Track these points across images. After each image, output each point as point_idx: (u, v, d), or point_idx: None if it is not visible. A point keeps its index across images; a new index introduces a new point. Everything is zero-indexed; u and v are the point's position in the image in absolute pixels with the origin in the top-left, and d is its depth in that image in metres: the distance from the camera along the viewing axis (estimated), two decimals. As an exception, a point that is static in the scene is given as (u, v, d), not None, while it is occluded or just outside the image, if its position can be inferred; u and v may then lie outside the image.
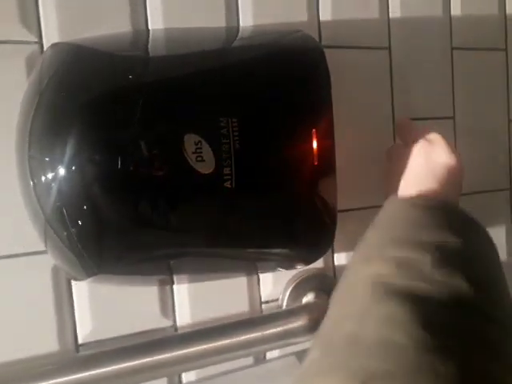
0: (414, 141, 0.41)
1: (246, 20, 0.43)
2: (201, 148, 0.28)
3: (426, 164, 0.39)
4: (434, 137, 0.40)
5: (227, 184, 0.29)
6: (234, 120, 0.29)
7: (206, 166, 0.29)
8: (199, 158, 0.28)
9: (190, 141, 0.28)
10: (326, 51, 0.35)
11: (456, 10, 0.54)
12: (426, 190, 0.37)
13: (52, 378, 0.34)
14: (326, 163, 0.33)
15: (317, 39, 0.47)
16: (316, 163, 0.33)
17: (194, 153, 0.28)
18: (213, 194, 0.30)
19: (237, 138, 0.29)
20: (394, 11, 0.51)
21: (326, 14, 0.47)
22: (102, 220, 0.30)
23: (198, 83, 0.30)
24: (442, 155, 0.38)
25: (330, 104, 0.33)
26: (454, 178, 0.38)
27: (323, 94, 0.33)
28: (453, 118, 0.55)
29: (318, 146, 0.32)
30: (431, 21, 0.53)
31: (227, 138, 0.29)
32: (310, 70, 0.33)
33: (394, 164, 0.43)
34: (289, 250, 0.36)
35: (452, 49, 0.55)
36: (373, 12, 0.50)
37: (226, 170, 0.29)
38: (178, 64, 0.31)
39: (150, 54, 0.32)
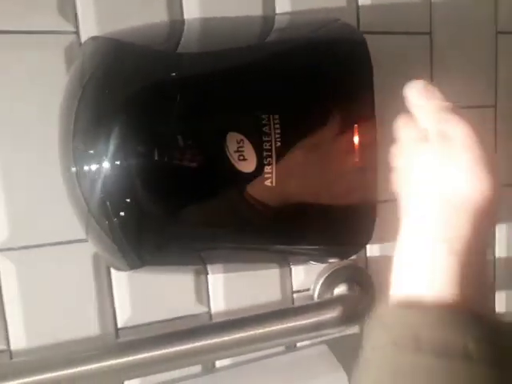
0: (427, 125, 0.27)
1: (283, 5, 0.42)
2: (243, 146, 0.28)
3: (434, 198, 0.25)
4: (459, 131, 0.25)
5: (268, 182, 0.29)
6: (276, 117, 0.29)
7: (247, 165, 0.28)
8: (241, 157, 0.28)
9: (233, 139, 0.28)
10: (365, 37, 0.34)
11: (503, -9, 0.51)
12: (435, 286, 0.25)
13: (93, 363, 0.36)
14: (368, 160, 0.33)
15: (355, 25, 0.45)
16: (357, 160, 0.32)
17: (236, 151, 0.28)
18: (253, 192, 0.30)
19: (278, 135, 0.29)
20: (437, -6, 0.48)
21: (365, -1, 0.45)
22: (144, 212, 0.31)
23: (238, 80, 0.30)
24: (465, 180, 0.24)
25: (372, 99, 0.33)
26: (484, 227, 0.25)
27: (366, 89, 0.32)
28: (494, 106, 0.53)
29: (359, 142, 0.32)
30: (475, 3, 0.50)
31: (269, 135, 0.29)
32: (353, 64, 0.32)
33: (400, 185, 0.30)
34: (325, 246, 0.36)
35: (497, 33, 0.52)
36: (414, -5, 0.47)
37: (267, 169, 0.29)
38: (219, 60, 0.30)
39: (190, 49, 0.32)
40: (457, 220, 0.24)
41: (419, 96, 0.29)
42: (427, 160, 0.26)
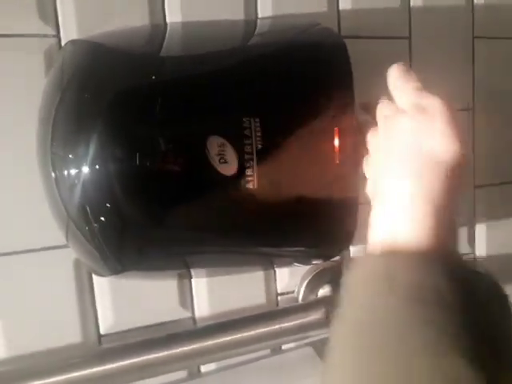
0: (404, 103, 0.29)
1: (265, 10, 0.43)
2: (224, 150, 0.28)
3: (411, 158, 0.27)
4: (433, 103, 0.27)
5: (249, 185, 0.29)
6: (257, 120, 0.29)
7: (228, 168, 0.28)
8: (222, 160, 0.28)
9: (214, 143, 0.28)
10: (345, 41, 0.34)
11: (479, -3, 0.53)
12: (412, 227, 0.27)
13: (75, 371, 0.35)
14: (349, 161, 0.33)
15: (336, 30, 0.46)
16: (338, 162, 0.32)
17: (217, 155, 0.28)
18: (235, 195, 0.30)
19: (259, 138, 0.29)
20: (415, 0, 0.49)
21: (345, 4, 0.46)
22: (125, 218, 0.30)
23: (219, 83, 0.30)
24: (439, 142, 0.27)
25: (352, 101, 0.33)
26: (455, 185, 0.27)
27: (346, 91, 0.33)
28: (472, 109, 0.54)
29: (340, 145, 0.32)
30: (452, 9, 0.52)
31: (249, 138, 0.29)
32: (333, 67, 0.33)
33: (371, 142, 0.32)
34: (309, 248, 0.36)
35: (474, 38, 0.53)
36: (393, 1, 0.48)
37: (249, 171, 0.29)
38: (200, 64, 0.31)
39: (171, 53, 0.32)
40: (432, 175, 0.27)
41: (398, 77, 0.31)
42: (405, 127, 0.29)
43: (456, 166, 0.27)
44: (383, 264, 0.26)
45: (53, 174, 0.30)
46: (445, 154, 0.27)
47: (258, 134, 0.29)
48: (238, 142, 0.29)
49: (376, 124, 0.32)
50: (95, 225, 0.30)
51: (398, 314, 0.23)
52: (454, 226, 0.29)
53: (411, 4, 0.49)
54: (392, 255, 0.27)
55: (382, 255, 0.27)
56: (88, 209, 0.30)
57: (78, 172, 0.29)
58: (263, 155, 0.30)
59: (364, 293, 0.26)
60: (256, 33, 0.34)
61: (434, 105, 0.27)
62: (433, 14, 0.50)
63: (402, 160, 0.28)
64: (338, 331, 0.26)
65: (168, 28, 0.37)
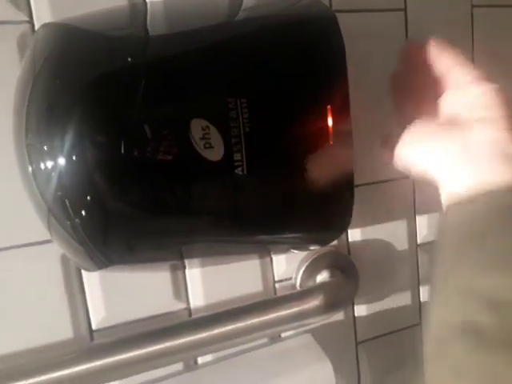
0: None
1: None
2: (209, 133, 0.26)
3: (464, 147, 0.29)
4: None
5: (238, 170, 0.28)
6: (243, 100, 0.27)
7: (214, 153, 0.27)
8: (207, 145, 0.26)
9: (197, 126, 0.26)
10: (338, 15, 0.32)
11: (477, -38, 0.50)
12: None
13: (68, 368, 0.34)
14: (343, 142, 0.31)
15: (327, 3, 0.44)
16: (331, 142, 0.31)
17: (201, 139, 0.26)
18: (223, 182, 0.28)
19: (247, 120, 0.27)
20: (410, -32, 0.47)
21: (336, -25, 0.43)
22: (107, 209, 0.29)
23: (201, 62, 0.28)
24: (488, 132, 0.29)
25: (345, 78, 0.31)
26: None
27: (338, 68, 0.31)
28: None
29: (333, 124, 0.30)
30: (450, -23, 0.49)
31: (236, 121, 0.27)
32: (324, 43, 0.31)
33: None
34: (304, 233, 0.35)
35: (472, 6, 0.51)
36: (387, -30, 0.46)
37: (237, 156, 0.27)
38: (179, 42, 0.28)
39: (149, 33, 0.29)
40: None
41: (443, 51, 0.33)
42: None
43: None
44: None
45: (29, 167, 0.29)
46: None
47: (246, 115, 0.27)
48: (223, 124, 0.27)
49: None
50: (76, 219, 0.29)
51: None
52: None
53: (406, -27, 0.47)
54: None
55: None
56: (68, 203, 0.28)
57: (54, 164, 0.27)
58: (252, 138, 0.28)
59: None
60: (241, 8, 0.32)
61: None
62: (429, -16, 0.48)
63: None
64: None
65: (148, 7, 0.34)
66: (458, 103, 0.32)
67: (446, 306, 0.25)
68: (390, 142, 0.36)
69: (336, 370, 0.42)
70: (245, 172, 0.28)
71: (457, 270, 0.25)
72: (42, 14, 0.35)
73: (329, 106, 0.30)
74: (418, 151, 0.33)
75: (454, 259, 0.26)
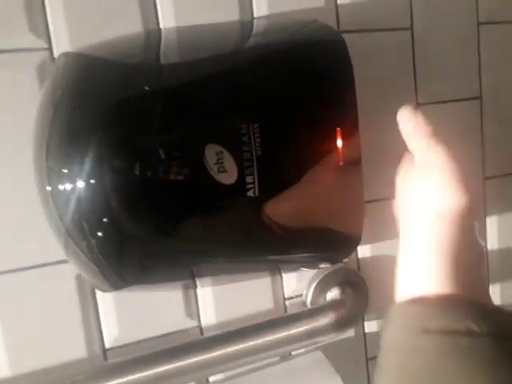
0: (414, 149, 0.32)
1: (261, 9, 0.41)
2: (222, 158, 0.27)
3: (422, 211, 0.30)
4: (438, 155, 0.29)
5: (250, 193, 0.28)
6: (256, 126, 0.28)
7: (228, 177, 0.27)
8: (221, 169, 0.27)
9: (212, 151, 0.27)
10: (345, 36, 0.33)
11: (482, -19, 0.51)
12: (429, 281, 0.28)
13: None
14: (353, 162, 0.32)
15: (335, 24, 0.44)
16: (342, 164, 0.31)
17: (215, 164, 0.27)
18: (236, 204, 0.29)
19: (258, 144, 0.28)
20: (416, -12, 0.48)
21: (343, -4, 0.44)
22: (123, 231, 0.30)
23: (215, 89, 0.29)
24: (444, 196, 0.29)
25: (354, 101, 0.32)
26: (468, 233, 0.29)
27: (347, 91, 0.31)
28: (479, 98, 0.52)
29: (343, 145, 0.31)
30: (455, -6, 0.50)
31: (249, 145, 0.28)
32: (332, 67, 0.31)
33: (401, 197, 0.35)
34: (315, 253, 0.35)
35: (478, 24, 0.51)
36: (393, -10, 0.47)
37: (249, 179, 0.28)
38: (192, 70, 0.29)
39: (164, 60, 0.30)
40: (444, 226, 0.29)
41: (408, 121, 0.33)
42: (415, 183, 0.32)
43: (465, 211, 0.29)
44: (414, 314, 0.27)
45: (48, 189, 0.30)
46: (453, 204, 0.29)
47: (258, 139, 0.28)
48: (236, 149, 0.27)
49: None
50: (93, 240, 0.29)
51: (436, 365, 0.25)
52: (476, 265, 0.30)
53: (412, -7, 0.47)
54: (421, 305, 0.28)
55: (412, 305, 0.28)
56: (85, 224, 0.29)
57: (73, 187, 0.28)
58: (263, 162, 0.28)
59: (401, 338, 0.27)
60: (252, 34, 0.33)
61: (438, 160, 0.29)
62: (435, 2, 0.48)
63: (414, 214, 0.31)
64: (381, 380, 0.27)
65: (162, 34, 0.36)
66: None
67: None
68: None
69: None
70: (256, 194, 0.29)
71: None
72: (61, 42, 0.36)
73: (338, 128, 0.31)
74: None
75: None
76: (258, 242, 0.32)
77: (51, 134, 0.29)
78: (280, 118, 0.30)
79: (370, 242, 0.49)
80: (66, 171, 0.29)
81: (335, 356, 0.46)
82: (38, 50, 0.36)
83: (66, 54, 0.31)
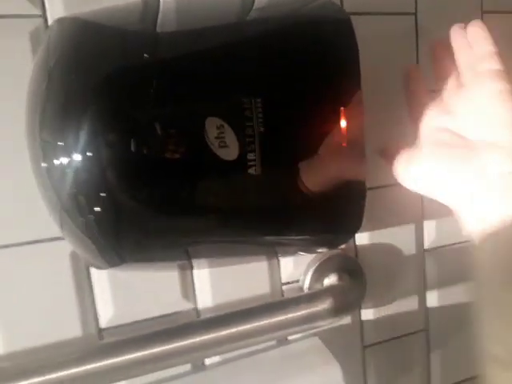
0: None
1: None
2: (223, 132, 0.26)
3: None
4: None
5: (251, 170, 0.28)
6: (258, 100, 0.27)
7: (229, 152, 0.27)
8: (222, 144, 0.26)
9: (212, 125, 0.26)
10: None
11: (488, -31, 0.50)
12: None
13: (76, 367, 0.34)
14: (356, 143, 0.31)
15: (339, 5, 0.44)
16: (345, 143, 0.31)
17: (216, 138, 0.26)
18: (236, 181, 0.28)
19: (261, 120, 0.27)
20: (421, -27, 0.47)
21: (348, -22, 0.44)
22: (121, 207, 0.29)
23: (217, 62, 0.28)
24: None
25: (358, 79, 0.31)
26: None
27: (351, 68, 0.31)
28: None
29: (346, 125, 0.30)
30: (460, -19, 0.49)
31: (251, 120, 0.27)
32: (338, 44, 0.31)
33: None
34: (315, 235, 0.34)
35: (482, 13, 0.51)
36: (398, -26, 0.46)
37: (250, 156, 0.27)
38: (194, 41, 0.28)
39: (163, 31, 0.29)
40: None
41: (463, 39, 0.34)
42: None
43: None
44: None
45: (43, 163, 0.29)
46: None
47: (260, 115, 0.27)
48: (238, 124, 0.27)
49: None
50: (90, 216, 0.29)
51: None
52: None
53: (417, -23, 0.47)
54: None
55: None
56: (81, 199, 0.28)
57: (69, 160, 0.27)
58: (266, 138, 0.28)
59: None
60: (255, 8, 0.32)
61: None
62: (439, -12, 0.48)
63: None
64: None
65: (161, 4, 0.35)
66: (473, 119, 0.31)
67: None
68: (388, 154, 0.36)
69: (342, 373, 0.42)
70: (258, 172, 0.28)
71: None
72: (56, 9, 0.35)
73: (342, 108, 0.30)
74: (412, 172, 0.33)
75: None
76: (257, 222, 0.31)
77: (45, 106, 0.28)
78: (283, 94, 0.29)
79: (368, 229, 0.48)
80: (61, 144, 0.28)
81: (331, 343, 0.46)
82: (31, 16, 0.35)
83: (60, 20, 0.30)
